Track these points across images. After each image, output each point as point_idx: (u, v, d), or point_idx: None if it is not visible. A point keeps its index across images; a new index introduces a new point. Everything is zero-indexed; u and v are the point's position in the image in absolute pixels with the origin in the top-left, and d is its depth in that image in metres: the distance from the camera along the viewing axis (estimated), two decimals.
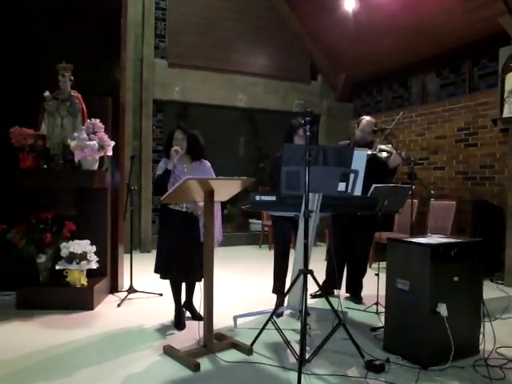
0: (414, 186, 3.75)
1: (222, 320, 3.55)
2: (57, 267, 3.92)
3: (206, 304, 2.96)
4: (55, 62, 3.95)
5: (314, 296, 4.29)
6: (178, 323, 3.50)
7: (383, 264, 3.40)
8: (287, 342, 2.96)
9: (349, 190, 3.19)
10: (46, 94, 3.92)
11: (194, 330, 3.22)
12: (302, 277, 2.79)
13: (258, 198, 3.01)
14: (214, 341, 3.06)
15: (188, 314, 3.67)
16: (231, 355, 2.91)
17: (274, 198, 3.05)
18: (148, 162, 7.09)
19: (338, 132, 7.94)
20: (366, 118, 4.24)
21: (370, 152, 4.07)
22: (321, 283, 4.33)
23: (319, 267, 3.91)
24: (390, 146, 4.06)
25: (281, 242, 3.88)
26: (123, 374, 2.68)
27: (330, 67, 8.29)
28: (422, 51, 6.60)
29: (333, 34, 7.48)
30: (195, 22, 7.28)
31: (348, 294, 4.41)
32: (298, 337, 2.91)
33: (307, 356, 2.79)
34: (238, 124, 8.18)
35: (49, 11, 4.39)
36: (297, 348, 2.80)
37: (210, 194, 2.94)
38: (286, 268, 3.83)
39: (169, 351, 2.93)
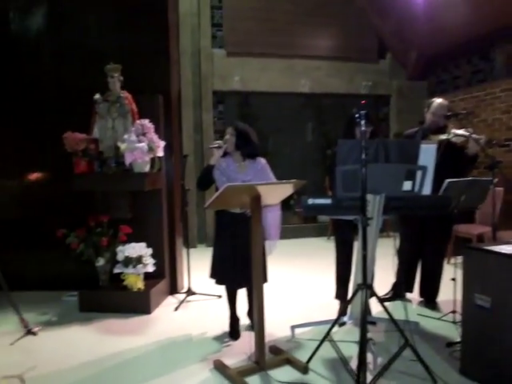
0: (496, 180, 3.25)
1: (279, 327, 3.36)
2: (114, 271, 3.91)
3: (257, 318, 2.74)
4: (104, 64, 3.88)
5: (382, 300, 3.92)
6: (233, 332, 3.33)
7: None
8: (345, 363, 2.68)
9: (416, 190, 2.80)
10: (97, 96, 3.87)
11: (250, 342, 3.04)
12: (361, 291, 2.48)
13: (310, 201, 2.72)
14: (268, 354, 2.86)
15: (248, 321, 3.48)
16: (284, 374, 2.68)
17: (328, 202, 2.75)
18: (210, 154, 6.98)
19: (411, 113, 7.32)
20: (438, 101, 3.76)
21: (444, 137, 3.60)
22: (391, 285, 4.04)
23: (387, 265, 3.55)
24: (466, 129, 3.55)
25: (342, 245, 3.56)
26: None
27: (401, 44, 7.64)
28: (506, 16, 5.80)
29: (402, 8, 6.84)
30: (252, 8, 7.00)
31: (422, 299, 3.98)
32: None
33: (368, 379, 2.49)
34: (301, 110, 7.83)
35: (97, 11, 4.35)
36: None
37: (256, 200, 2.70)
38: (349, 272, 3.51)
39: (219, 367, 2.76)
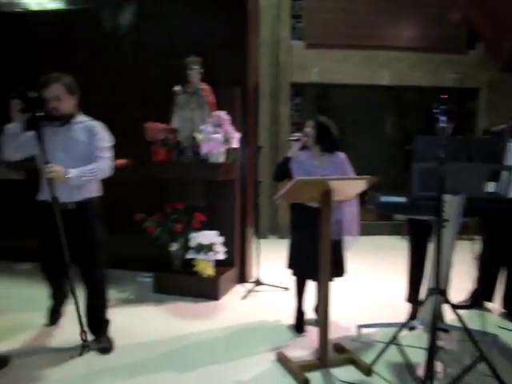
0: None
1: (345, 325, 3.31)
2: (187, 256, 4.07)
3: (321, 314, 2.73)
4: (185, 56, 4.00)
5: (456, 307, 3.72)
6: (298, 326, 3.33)
7: None
8: (412, 370, 2.58)
9: (501, 192, 2.61)
10: (177, 88, 4.01)
11: (315, 337, 3.03)
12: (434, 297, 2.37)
13: (383, 198, 2.65)
14: (332, 352, 2.83)
15: (314, 316, 3.46)
16: (347, 373, 2.64)
17: (403, 200, 2.64)
18: (285, 147, 6.99)
19: (503, 108, 6.79)
20: None
21: None
22: (469, 292, 3.80)
23: (466, 270, 3.36)
24: None
25: (417, 246, 3.40)
26: (232, 379, 2.62)
27: (495, 32, 7.08)
28: None
29: None
30: None
31: (505, 310, 3.71)
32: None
33: None
34: (381, 104, 7.57)
35: (178, 5, 4.49)
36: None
37: (327, 195, 2.66)
38: (422, 275, 3.36)
39: (281, 359, 2.78)
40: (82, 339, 2.77)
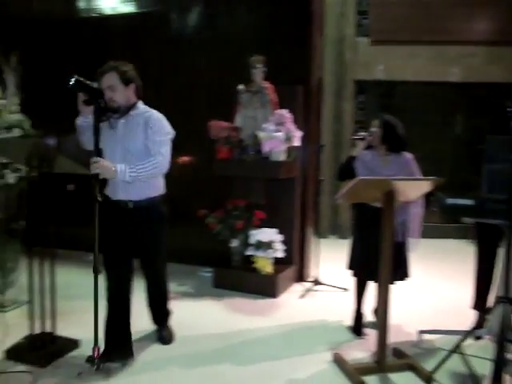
0: None
1: (406, 329, 3.23)
2: (246, 253, 4.13)
3: (381, 317, 2.67)
4: (249, 55, 4.06)
5: None
6: (356, 328, 3.29)
7: None
8: (476, 381, 2.46)
9: None
10: (241, 87, 4.07)
11: (373, 340, 2.97)
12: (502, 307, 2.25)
13: (450, 201, 2.54)
14: (391, 357, 2.77)
15: (373, 319, 3.40)
16: (405, 379, 2.58)
17: (470, 203, 2.53)
18: (348, 145, 6.89)
19: None
20: None
21: None
22: None
23: None
24: None
25: (485, 252, 3.23)
26: (287, 377, 2.64)
27: None
28: None
29: None
30: None
31: None
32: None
33: None
34: (451, 101, 7.23)
35: (244, 4, 4.55)
36: None
37: (389, 195, 2.60)
38: (490, 282, 3.19)
39: (338, 360, 2.76)
40: (93, 356, 2.50)
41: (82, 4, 5.30)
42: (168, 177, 4.94)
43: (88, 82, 2.52)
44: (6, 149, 2.94)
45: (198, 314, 3.60)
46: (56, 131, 5.13)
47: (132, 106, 2.70)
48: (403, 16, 6.63)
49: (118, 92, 2.63)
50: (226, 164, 4.11)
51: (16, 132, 3.30)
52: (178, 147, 4.82)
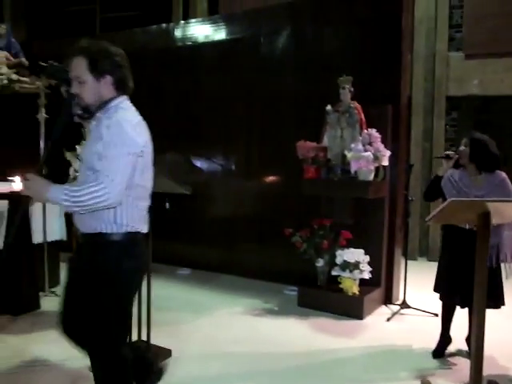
0: None
1: (502, 363, 3.02)
2: (332, 273, 4.10)
3: (474, 346, 2.51)
4: (336, 75, 4.10)
5: None
6: (437, 351, 3.16)
7: None
8: None
9: None
10: (328, 107, 4.12)
11: (465, 370, 2.81)
12: None
13: None
14: None
15: (465, 347, 3.22)
16: None
17: None
18: (439, 164, 6.59)
19: None
20: None
21: None
22: None
23: None
24: None
25: None
26: None
27: None
28: None
29: None
30: (499, 2, 6.28)
31: None
32: None
33: None
34: None
35: (332, 25, 4.61)
36: None
37: (484, 217, 2.46)
38: None
39: None
40: None
41: (177, 34, 5.70)
42: (255, 196, 5.15)
43: (63, 69, 1.97)
44: None
45: (282, 332, 3.64)
46: (155, 152, 5.52)
47: (105, 104, 1.90)
48: (500, 27, 6.28)
49: (85, 86, 1.88)
50: (313, 183, 4.15)
51: None
52: (265, 167, 5.06)
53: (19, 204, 3.81)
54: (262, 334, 3.58)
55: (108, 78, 1.91)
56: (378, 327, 3.79)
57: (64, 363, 2.98)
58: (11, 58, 6.05)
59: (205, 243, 5.41)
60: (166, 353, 3.09)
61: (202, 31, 5.53)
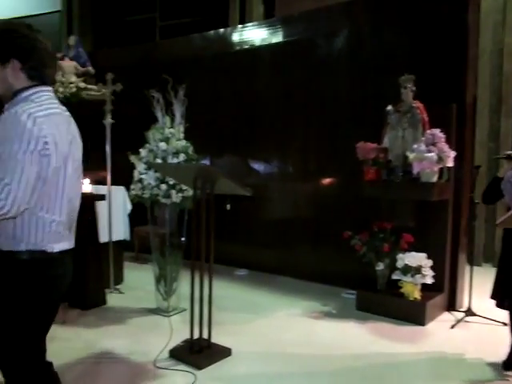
0: None
1: None
2: (393, 277, 4.00)
3: None
4: (395, 74, 4.00)
5: None
6: (506, 363, 2.98)
7: None
8: None
9: None
10: (389, 107, 4.03)
11: None
12: None
13: None
14: None
15: None
16: None
17: None
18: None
19: None
20: None
21: None
22: None
23: None
24: None
25: None
26: None
27: None
28: None
29: None
30: None
31: None
32: None
33: None
34: None
35: (390, 22, 4.50)
36: None
37: None
38: None
39: None
40: None
41: (234, 38, 5.79)
42: (312, 197, 5.12)
43: None
44: (175, 172, 3.33)
45: (341, 335, 3.60)
46: (213, 155, 5.65)
47: (14, 96, 1.62)
48: None
49: None
50: (373, 185, 4.07)
51: (181, 157, 3.71)
52: (322, 168, 5.03)
53: (88, 204, 4.03)
54: (321, 336, 3.56)
55: (16, 64, 1.59)
56: (442, 334, 3.65)
57: (130, 357, 3.11)
58: (79, 68, 6.40)
59: (261, 245, 5.45)
60: (226, 351, 3.15)
61: (258, 35, 5.59)
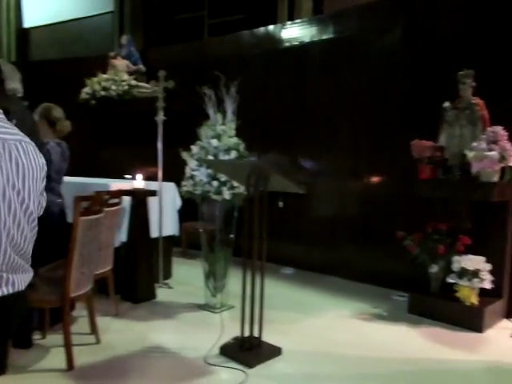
0: None
1: None
2: (447, 280, 3.85)
3: None
4: (455, 70, 3.84)
5: None
6: None
7: None
8: None
9: None
10: (446, 104, 3.87)
11: None
12: None
13: None
14: None
15: None
16: None
17: None
18: None
19: None
20: None
21: None
22: None
23: None
24: None
25: None
26: None
27: None
28: None
29: None
30: None
31: None
32: None
33: None
34: None
35: (450, 15, 4.32)
36: None
37: None
38: None
39: None
40: None
41: (284, 35, 5.74)
42: (361, 196, 4.98)
43: None
44: (228, 168, 3.33)
45: (393, 339, 3.49)
46: (261, 151, 5.64)
47: None
48: None
49: None
50: (429, 184, 3.93)
51: (233, 154, 3.71)
52: (373, 166, 4.91)
53: (140, 200, 4.11)
54: (372, 338, 3.47)
55: None
56: (501, 343, 3.48)
57: (180, 352, 3.13)
58: (131, 66, 6.55)
59: (308, 243, 5.40)
60: (277, 350, 3.12)
61: (308, 31, 5.52)
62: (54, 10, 8.89)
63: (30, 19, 9.20)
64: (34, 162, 1.45)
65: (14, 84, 2.77)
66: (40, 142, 3.02)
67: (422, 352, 3.25)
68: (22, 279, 1.45)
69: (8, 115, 1.46)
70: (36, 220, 1.49)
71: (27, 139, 1.46)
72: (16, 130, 1.45)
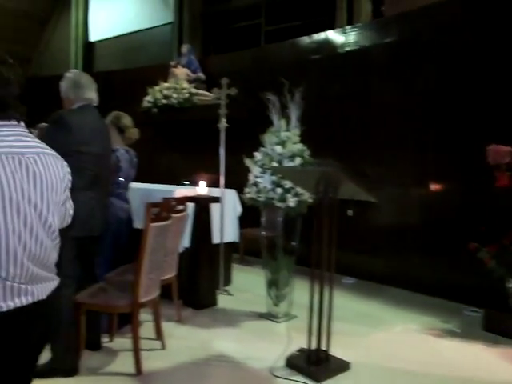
0: None
1: None
2: None
3: None
4: None
5: None
6: None
7: None
8: None
9: None
10: None
11: None
12: None
13: None
14: None
15: None
16: None
17: None
18: None
19: None
20: None
21: None
22: None
23: None
24: None
25: None
26: None
27: None
28: None
29: None
30: None
31: None
32: None
33: None
34: None
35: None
36: None
37: None
38: None
39: None
40: None
41: (344, 39, 5.64)
42: (428, 204, 4.71)
43: None
44: (295, 175, 3.27)
45: (469, 358, 3.27)
46: (324, 157, 5.52)
47: None
48: None
49: None
50: (505, 193, 3.67)
51: (297, 160, 3.64)
52: (441, 173, 4.67)
53: (203, 207, 4.13)
54: (446, 356, 3.27)
55: None
56: None
57: (245, 362, 3.08)
58: (191, 74, 6.66)
59: (370, 252, 5.22)
60: (345, 365, 3.00)
61: (368, 34, 5.38)
62: (117, 23, 9.24)
63: (96, 33, 9.63)
64: (54, 174, 1.45)
65: (91, 94, 2.84)
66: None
67: (502, 375, 3.01)
68: (42, 289, 1.46)
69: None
70: (57, 231, 1.48)
71: (48, 151, 1.47)
72: (36, 143, 1.45)
